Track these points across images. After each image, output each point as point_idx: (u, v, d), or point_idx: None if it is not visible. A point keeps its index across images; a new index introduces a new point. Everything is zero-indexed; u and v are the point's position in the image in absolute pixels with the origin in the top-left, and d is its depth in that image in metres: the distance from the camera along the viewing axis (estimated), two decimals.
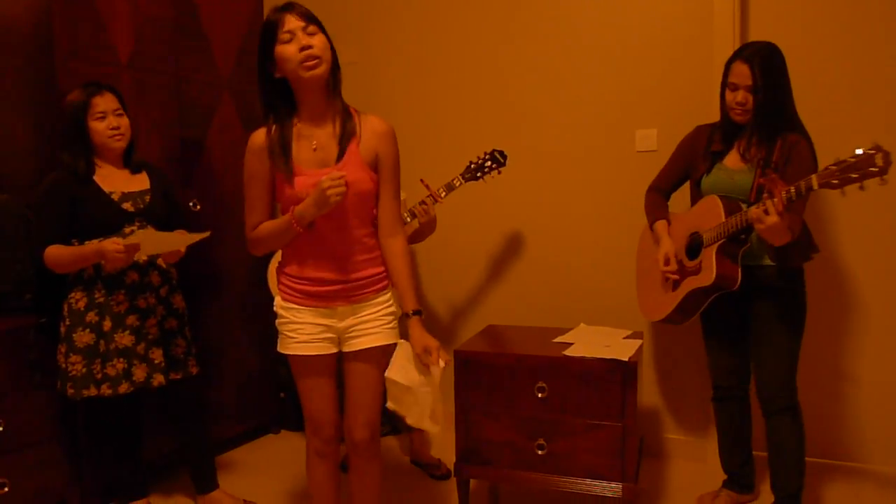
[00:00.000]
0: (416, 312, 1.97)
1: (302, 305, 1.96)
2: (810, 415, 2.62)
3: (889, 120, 2.65)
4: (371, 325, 1.99)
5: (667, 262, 2.44)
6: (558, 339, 2.62)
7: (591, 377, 2.35)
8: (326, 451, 2.05)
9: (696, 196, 2.47)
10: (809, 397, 2.64)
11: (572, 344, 2.53)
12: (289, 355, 2.00)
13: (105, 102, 2.40)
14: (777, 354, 2.32)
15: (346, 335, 2.00)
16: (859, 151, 1.84)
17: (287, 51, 1.78)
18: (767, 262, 2.30)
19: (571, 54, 3.14)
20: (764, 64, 2.21)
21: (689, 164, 2.51)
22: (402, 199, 2.87)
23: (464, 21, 3.33)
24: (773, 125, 2.27)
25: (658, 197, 2.63)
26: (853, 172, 1.85)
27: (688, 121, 2.92)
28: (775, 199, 2.02)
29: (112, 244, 2.25)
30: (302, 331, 1.96)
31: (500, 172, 2.87)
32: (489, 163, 2.84)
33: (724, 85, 2.33)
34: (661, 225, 2.56)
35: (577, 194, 3.18)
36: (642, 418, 3.11)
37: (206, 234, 2.38)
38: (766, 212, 2.03)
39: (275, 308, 2.02)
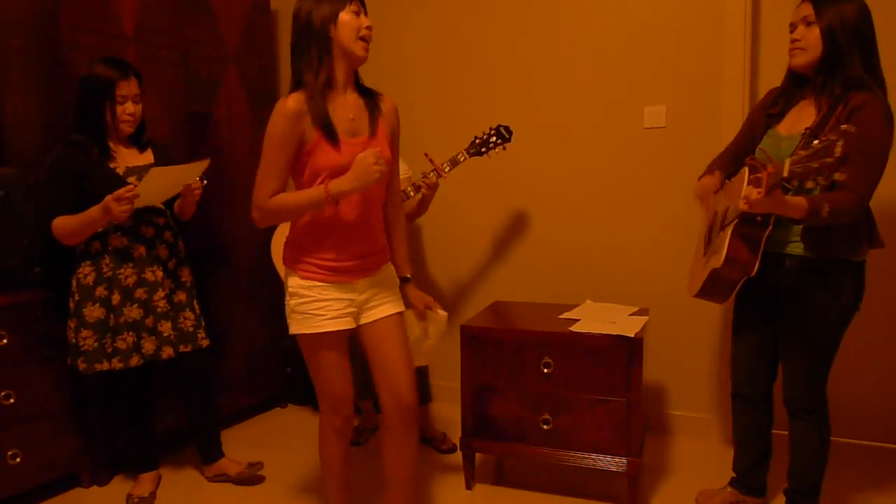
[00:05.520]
0: (411, 276, 2.23)
1: (327, 282, 1.95)
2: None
3: None
4: (387, 293, 2.07)
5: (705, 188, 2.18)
6: (564, 315, 2.63)
7: (596, 353, 2.36)
8: (345, 429, 2.08)
9: None
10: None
11: (578, 320, 2.54)
12: (308, 335, 1.96)
13: (129, 88, 2.39)
14: (801, 363, 2.07)
15: (366, 306, 2.04)
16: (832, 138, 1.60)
17: (354, 21, 1.86)
18: (798, 251, 2.01)
19: (579, 29, 3.10)
20: (831, 3, 1.94)
21: (756, 133, 2.22)
22: (407, 175, 2.88)
23: None
24: (835, 77, 1.95)
25: (712, 167, 2.32)
26: (814, 161, 1.63)
27: (697, 97, 2.90)
28: (761, 181, 1.76)
29: (111, 196, 2.23)
30: (330, 307, 1.95)
31: (504, 148, 2.85)
32: (494, 138, 2.82)
33: (790, 34, 2.05)
34: (706, 177, 2.28)
35: (584, 171, 3.16)
36: (647, 394, 3.13)
37: (206, 161, 2.39)
38: (745, 198, 1.79)
39: (292, 289, 1.97)
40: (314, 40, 1.86)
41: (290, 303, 1.98)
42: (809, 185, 1.96)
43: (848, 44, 1.93)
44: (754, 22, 2.83)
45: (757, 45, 2.86)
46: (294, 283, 1.97)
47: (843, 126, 1.64)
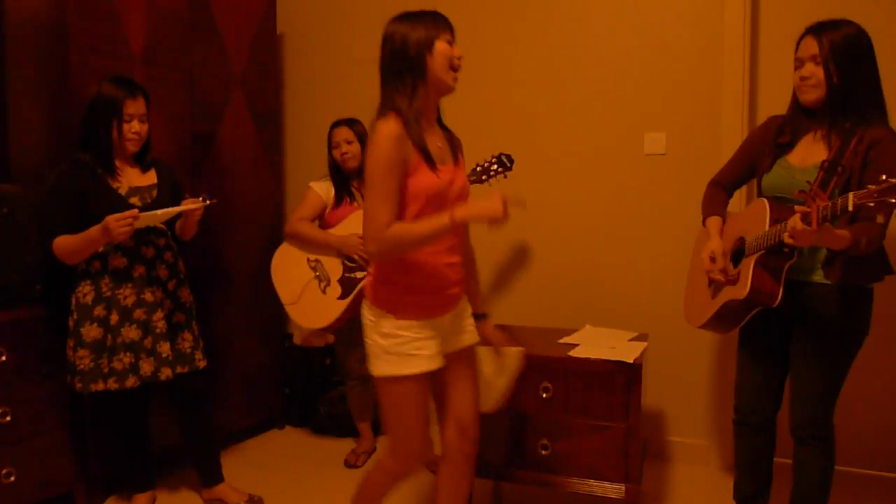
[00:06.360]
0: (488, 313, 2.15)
1: (422, 319, 1.89)
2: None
3: None
4: (466, 322, 2.05)
5: (713, 260, 2.16)
6: (564, 340, 2.63)
7: (595, 378, 2.36)
8: (407, 477, 2.01)
9: (759, 196, 2.18)
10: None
11: (578, 345, 2.54)
12: (402, 377, 1.87)
13: (136, 107, 2.42)
14: (814, 387, 2.07)
15: (446, 338, 1.99)
16: None
17: (448, 51, 1.84)
18: (819, 278, 2.02)
19: (580, 55, 3.14)
20: (835, 37, 1.95)
21: (756, 158, 2.22)
22: None
23: (473, 21, 3.33)
24: (845, 112, 1.97)
25: (716, 191, 2.34)
26: (892, 196, 1.58)
27: (697, 124, 2.93)
28: (810, 215, 1.74)
29: (111, 217, 2.25)
30: (427, 346, 1.88)
31: (506, 177, 2.85)
32: (496, 166, 2.82)
33: (795, 68, 2.07)
34: (712, 221, 2.28)
35: (585, 197, 3.18)
36: (646, 420, 3.11)
37: (210, 201, 2.43)
38: (792, 232, 1.79)
39: (387, 330, 1.87)
40: (409, 67, 1.82)
41: (383, 343, 1.88)
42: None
43: (855, 76, 1.96)
44: (753, 50, 2.86)
45: (756, 72, 2.90)
46: (389, 324, 1.87)
47: None
